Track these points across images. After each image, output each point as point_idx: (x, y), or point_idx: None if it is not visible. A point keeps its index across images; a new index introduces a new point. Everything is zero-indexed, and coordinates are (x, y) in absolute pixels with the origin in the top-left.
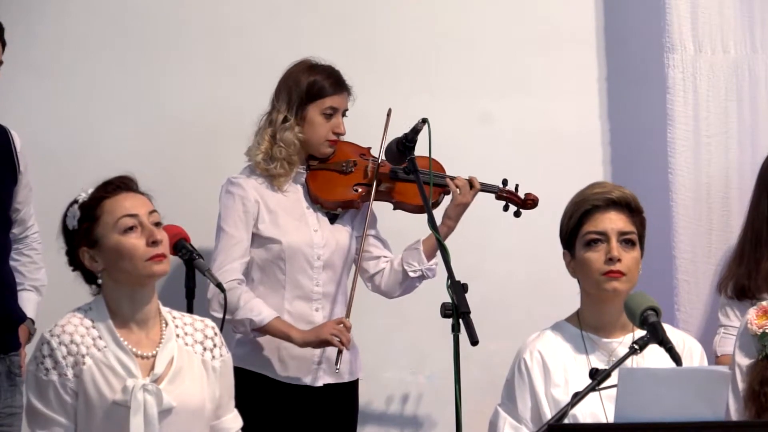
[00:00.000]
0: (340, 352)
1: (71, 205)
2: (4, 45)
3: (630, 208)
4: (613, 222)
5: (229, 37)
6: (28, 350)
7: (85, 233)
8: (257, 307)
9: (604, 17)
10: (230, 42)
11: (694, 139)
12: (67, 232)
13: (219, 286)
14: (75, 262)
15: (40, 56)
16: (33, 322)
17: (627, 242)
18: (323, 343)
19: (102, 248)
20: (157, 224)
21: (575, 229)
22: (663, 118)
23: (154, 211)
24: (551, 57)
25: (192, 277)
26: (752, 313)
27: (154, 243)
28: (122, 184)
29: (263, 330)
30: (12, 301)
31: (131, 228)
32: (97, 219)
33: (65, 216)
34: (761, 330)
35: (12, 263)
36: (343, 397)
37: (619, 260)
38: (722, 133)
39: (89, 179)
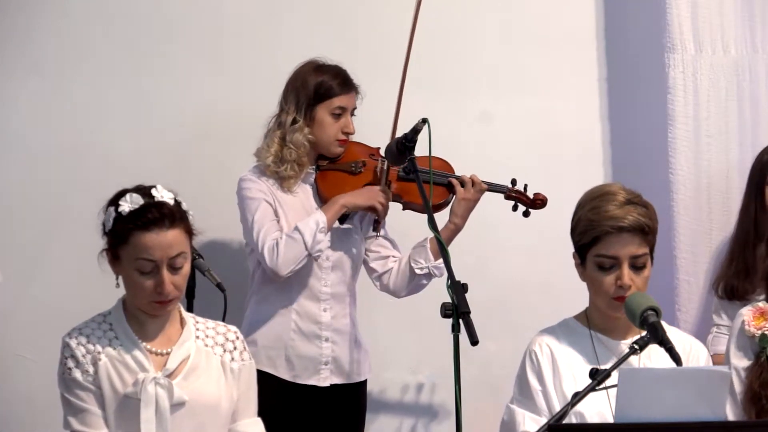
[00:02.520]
0: (378, 221)
1: (114, 204)
2: None
3: (644, 232)
4: (626, 247)
5: (231, 38)
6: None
7: (112, 245)
8: (309, 223)
9: (604, 17)
10: (232, 42)
11: (694, 139)
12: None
13: (219, 286)
14: None
15: (40, 56)
16: None
17: (638, 264)
18: (370, 209)
19: (120, 266)
20: (177, 268)
21: (587, 244)
22: (663, 118)
23: (178, 254)
24: (551, 57)
25: (192, 277)
26: (748, 314)
27: (159, 293)
28: (158, 218)
29: (329, 226)
30: None
31: (147, 272)
32: (123, 243)
33: (106, 210)
34: (760, 331)
35: None
36: (350, 398)
37: (629, 287)
38: (722, 133)
39: (89, 179)
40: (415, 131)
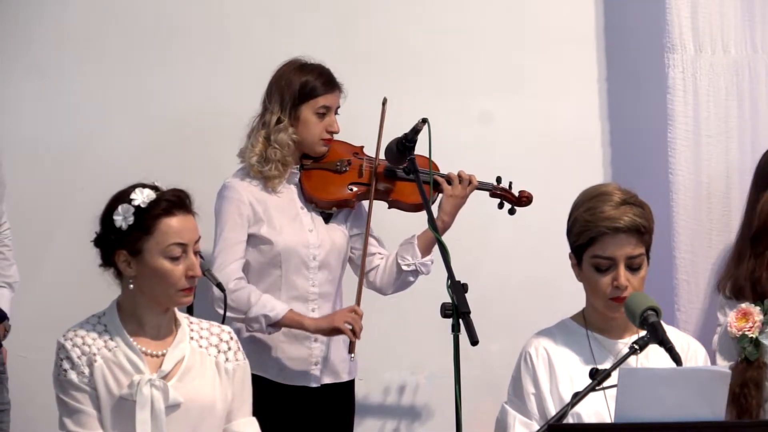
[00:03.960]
0: (352, 342)
1: (123, 201)
2: None
3: (640, 232)
4: (622, 247)
5: (228, 38)
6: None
7: (131, 241)
8: (270, 303)
9: (604, 17)
10: (228, 43)
11: (694, 139)
12: (109, 226)
13: (219, 286)
14: (107, 258)
15: (40, 56)
16: (8, 318)
17: (635, 264)
18: (335, 331)
19: (142, 262)
20: (197, 253)
21: (584, 245)
22: (663, 118)
23: (198, 239)
24: (551, 57)
25: None
26: (732, 315)
27: (191, 278)
28: (179, 202)
29: (277, 324)
30: None
31: (177, 257)
32: (148, 233)
33: (113, 211)
34: (740, 332)
35: None
36: (341, 397)
37: (626, 287)
38: (722, 133)
39: (88, 179)
40: (415, 131)
